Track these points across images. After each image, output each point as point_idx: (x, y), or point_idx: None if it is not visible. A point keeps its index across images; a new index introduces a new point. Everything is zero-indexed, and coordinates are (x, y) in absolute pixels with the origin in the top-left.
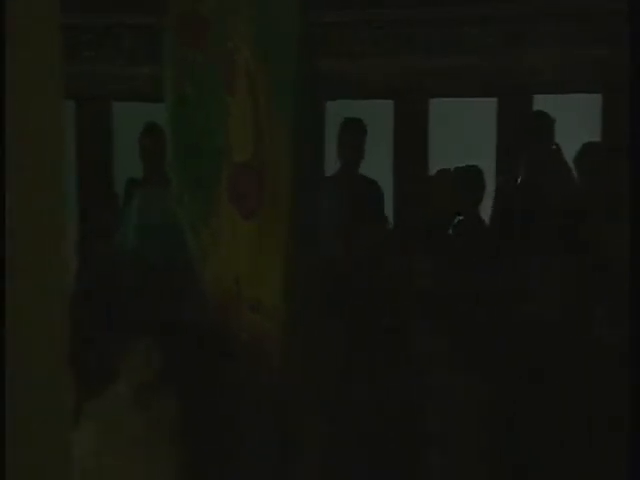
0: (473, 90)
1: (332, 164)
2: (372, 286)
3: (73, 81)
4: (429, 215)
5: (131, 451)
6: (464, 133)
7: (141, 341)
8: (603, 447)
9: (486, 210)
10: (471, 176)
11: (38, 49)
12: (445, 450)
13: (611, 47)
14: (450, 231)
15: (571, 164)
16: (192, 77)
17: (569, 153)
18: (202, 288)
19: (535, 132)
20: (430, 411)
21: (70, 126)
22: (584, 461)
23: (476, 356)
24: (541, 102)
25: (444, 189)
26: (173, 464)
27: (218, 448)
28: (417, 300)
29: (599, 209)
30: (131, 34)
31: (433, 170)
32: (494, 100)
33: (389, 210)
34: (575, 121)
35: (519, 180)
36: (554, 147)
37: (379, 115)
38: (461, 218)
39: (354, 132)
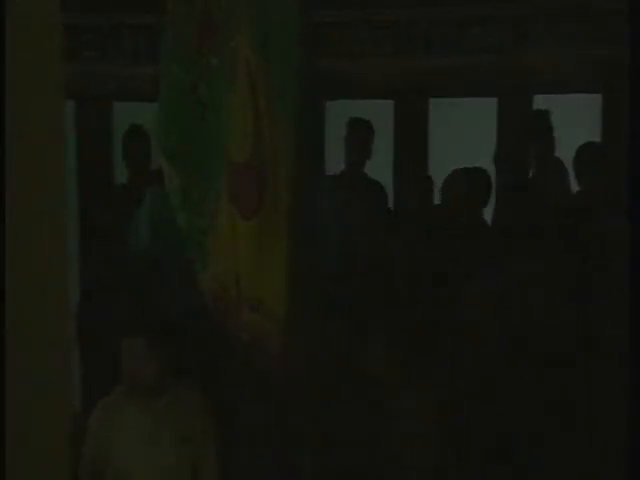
0: (473, 90)
1: (332, 163)
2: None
3: (74, 81)
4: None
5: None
6: (464, 133)
7: (135, 341)
8: (602, 448)
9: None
10: (479, 178)
11: (38, 49)
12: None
13: (611, 47)
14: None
15: (568, 164)
16: (206, 78)
17: (569, 153)
18: (202, 288)
19: (536, 131)
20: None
21: (71, 126)
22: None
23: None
24: (541, 102)
25: (459, 190)
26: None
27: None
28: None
29: (598, 208)
30: (132, 34)
31: (432, 170)
32: (494, 100)
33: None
34: (575, 121)
35: (520, 179)
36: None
37: (379, 115)
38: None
39: (361, 132)
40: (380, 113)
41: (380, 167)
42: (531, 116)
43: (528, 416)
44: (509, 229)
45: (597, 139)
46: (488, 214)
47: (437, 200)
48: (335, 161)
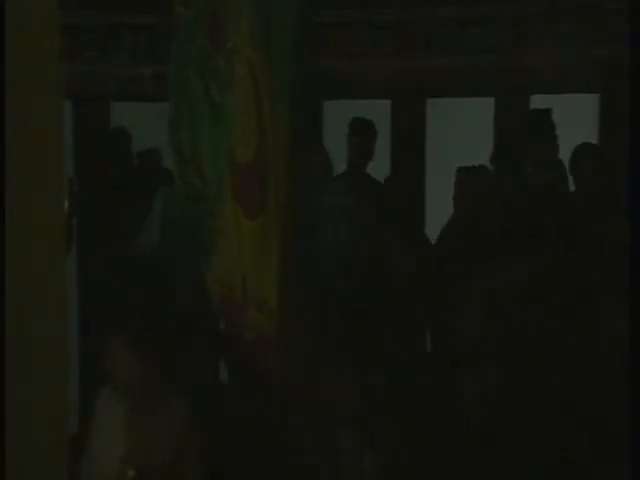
0: (471, 90)
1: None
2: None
3: (72, 81)
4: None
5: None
6: (462, 133)
7: (116, 341)
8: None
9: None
10: (480, 176)
11: (37, 49)
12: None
13: (611, 47)
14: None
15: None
16: (216, 80)
17: (568, 153)
18: (210, 287)
19: (537, 131)
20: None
21: (69, 126)
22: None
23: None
24: (541, 102)
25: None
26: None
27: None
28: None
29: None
30: (131, 34)
31: (430, 170)
32: (491, 100)
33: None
34: (574, 121)
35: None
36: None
37: (378, 115)
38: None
39: (363, 132)
40: (377, 113)
41: (377, 167)
42: (532, 115)
43: (529, 417)
44: (509, 229)
45: (595, 139)
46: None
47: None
48: (334, 161)
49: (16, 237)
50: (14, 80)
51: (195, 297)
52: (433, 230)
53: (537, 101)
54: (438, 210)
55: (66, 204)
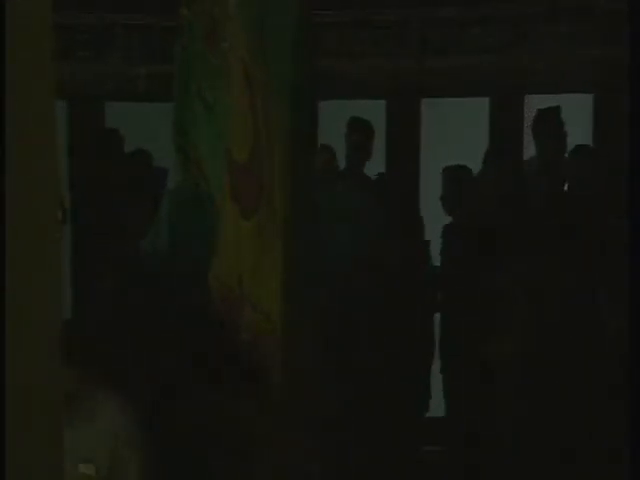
0: (468, 90)
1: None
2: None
3: (67, 81)
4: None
5: None
6: (458, 133)
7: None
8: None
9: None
10: (462, 176)
11: (30, 49)
12: None
13: (608, 47)
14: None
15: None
16: (209, 79)
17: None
18: (211, 287)
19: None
20: None
21: (63, 126)
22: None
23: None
24: (537, 102)
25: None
26: None
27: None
28: None
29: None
30: (125, 34)
31: (424, 170)
32: (486, 100)
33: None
34: (571, 121)
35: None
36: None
37: (373, 115)
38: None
39: (361, 132)
40: (372, 113)
41: (372, 167)
42: (541, 113)
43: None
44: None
45: (590, 139)
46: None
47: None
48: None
49: (10, 238)
50: (13, 80)
51: (198, 297)
52: (427, 230)
53: (533, 101)
54: (433, 210)
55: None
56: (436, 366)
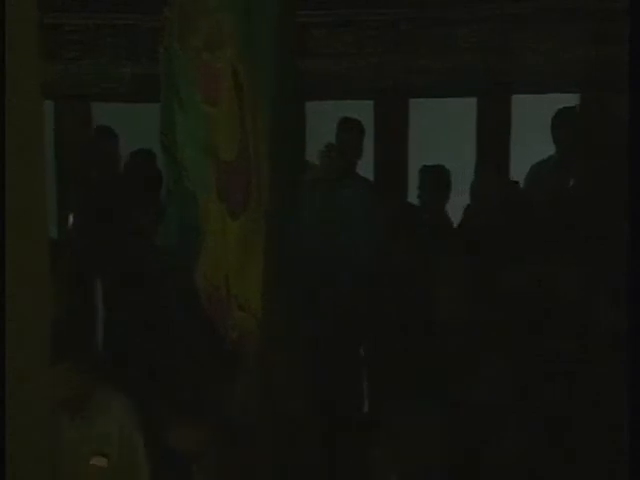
0: (455, 90)
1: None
2: None
3: (54, 81)
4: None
5: None
6: (445, 133)
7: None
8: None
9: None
10: (438, 175)
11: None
12: None
13: (596, 47)
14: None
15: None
16: (183, 77)
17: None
18: (198, 286)
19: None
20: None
21: (50, 126)
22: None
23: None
24: (524, 102)
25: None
26: None
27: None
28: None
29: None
30: (112, 35)
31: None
32: (474, 100)
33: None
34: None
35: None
36: None
37: (361, 115)
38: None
39: (352, 131)
40: (362, 113)
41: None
42: (558, 114)
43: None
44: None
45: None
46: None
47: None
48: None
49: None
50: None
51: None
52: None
53: (519, 102)
54: None
55: None
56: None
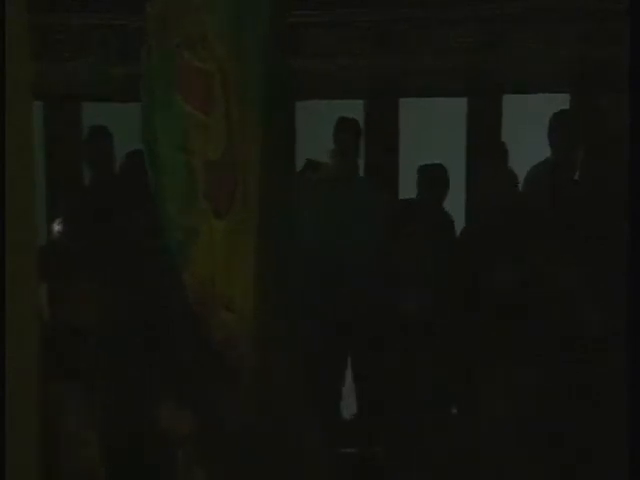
0: (446, 90)
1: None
2: None
3: (43, 81)
4: None
5: None
6: (436, 133)
7: None
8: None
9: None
10: (435, 173)
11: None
12: None
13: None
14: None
15: None
16: (152, 77)
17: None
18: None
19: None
20: None
21: (40, 127)
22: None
23: None
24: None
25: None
26: None
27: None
28: None
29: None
30: (102, 35)
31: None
32: (464, 100)
33: None
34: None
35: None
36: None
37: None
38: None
39: (349, 131)
40: (353, 113)
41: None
42: (556, 115)
43: None
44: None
45: None
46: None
47: None
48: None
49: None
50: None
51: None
52: None
53: (510, 101)
54: None
55: None
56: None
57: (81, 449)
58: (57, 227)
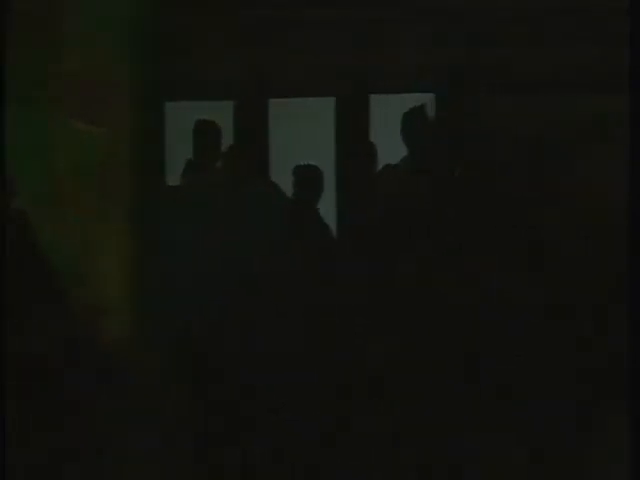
0: (316, 90)
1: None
2: None
3: None
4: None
5: None
6: (305, 133)
7: None
8: None
9: None
10: (310, 174)
11: None
12: None
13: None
14: None
15: None
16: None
17: None
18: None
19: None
20: None
21: None
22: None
23: None
24: (384, 102)
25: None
26: None
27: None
28: None
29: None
30: None
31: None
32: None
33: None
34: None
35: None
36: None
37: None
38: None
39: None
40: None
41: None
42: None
43: None
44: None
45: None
46: None
47: None
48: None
49: None
50: None
51: None
52: None
53: (378, 101)
54: None
55: None
56: None
57: None
58: None
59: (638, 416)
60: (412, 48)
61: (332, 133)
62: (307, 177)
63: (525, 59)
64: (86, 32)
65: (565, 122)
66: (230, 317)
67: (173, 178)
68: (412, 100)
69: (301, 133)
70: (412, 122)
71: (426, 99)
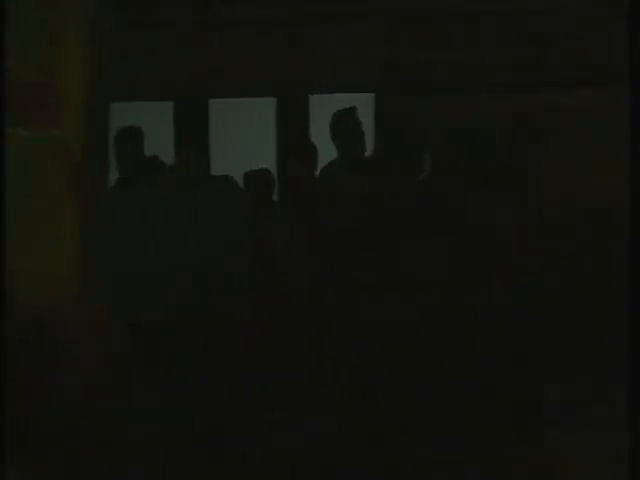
0: (254, 90)
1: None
2: None
3: None
4: None
5: None
6: (245, 133)
7: None
8: None
9: None
10: (262, 178)
11: None
12: None
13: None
14: None
15: None
16: None
17: None
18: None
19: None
20: None
21: None
22: None
23: None
24: (323, 102)
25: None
26: None
27: None
28: None
29: None
30: None
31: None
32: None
33: None
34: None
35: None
36: None
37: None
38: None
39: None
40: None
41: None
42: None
43: None
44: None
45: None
46: None
47: None
48: None
49: None
50: None
51: None
52: None
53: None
54: None
55: None
56: None
57: None
58: None
59: (638, 416)
60: (351, 48)
61: (273, 133)
62: (259, 176)
63: (461, 59)
64: (24, 33)
65: (498, 120)
66: (187, 314)
67: (116, 180)
68: (352, 100)
69: (241, 133)
70: (341, 122)
71: (365, 99)
